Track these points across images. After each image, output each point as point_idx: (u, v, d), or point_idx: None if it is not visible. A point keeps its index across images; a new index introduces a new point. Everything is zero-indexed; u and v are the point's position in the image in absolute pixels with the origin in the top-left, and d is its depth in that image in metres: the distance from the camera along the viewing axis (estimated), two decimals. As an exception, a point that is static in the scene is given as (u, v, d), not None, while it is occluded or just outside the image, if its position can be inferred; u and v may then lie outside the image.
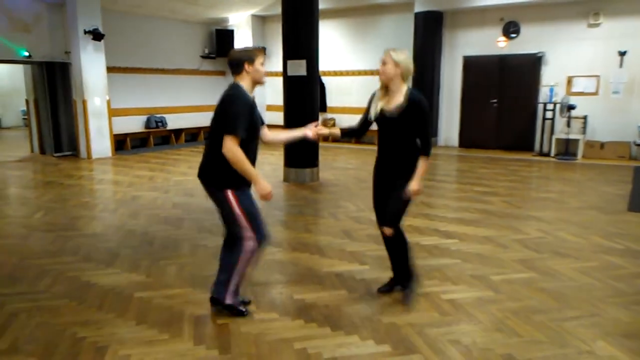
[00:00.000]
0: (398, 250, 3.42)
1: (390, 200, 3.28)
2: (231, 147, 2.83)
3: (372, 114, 3.28)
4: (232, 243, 3.15)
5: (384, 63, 3.20)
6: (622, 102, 9.88)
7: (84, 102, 10.09)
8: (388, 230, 3.28)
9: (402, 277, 3.51)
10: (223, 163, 2.91)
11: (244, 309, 3.24)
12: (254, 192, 3.01)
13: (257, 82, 3.02)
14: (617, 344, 2.87)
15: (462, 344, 2.88)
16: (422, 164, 3.20)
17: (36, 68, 10.41)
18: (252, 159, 3.04)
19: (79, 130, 10.33)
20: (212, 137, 2.99)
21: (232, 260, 3.10)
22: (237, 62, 2.97)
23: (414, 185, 3.17)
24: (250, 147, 2.99)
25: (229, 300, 3.17)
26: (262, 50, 3.10)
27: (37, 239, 4.94)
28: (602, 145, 9.94)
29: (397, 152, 3.25)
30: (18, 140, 13.71)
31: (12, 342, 2.91)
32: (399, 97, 3.17)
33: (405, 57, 3.19)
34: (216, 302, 3.23)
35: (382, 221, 3.37)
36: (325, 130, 3.41)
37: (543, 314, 3.24)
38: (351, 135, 3.59)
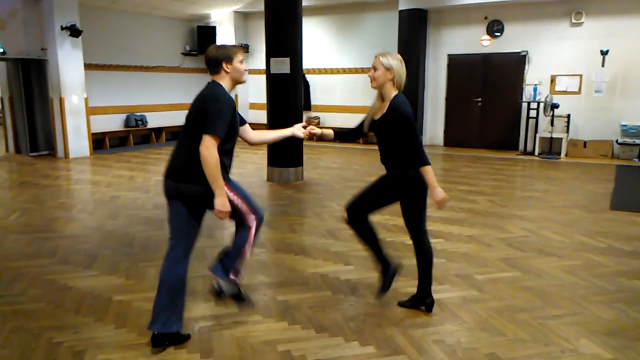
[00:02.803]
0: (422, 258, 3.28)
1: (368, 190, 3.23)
2: (209, 147, 2.63)
3: (365, 123, 3.20)
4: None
5: (374, 69, 3.04)
6: (605, 101, 10.01)
7: (61, 100, 9.87)
8: (346, 215, 3.23)
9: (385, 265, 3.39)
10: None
11: (243, 296, 3.09)
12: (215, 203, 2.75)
13: (237, 82, 2.85)
14: (600, 342, 2.88)
15: (447, 344, 2.86)
16: (426, 175, 2.99)
17: (11, 65, 10.15)
18: (229, 162, 2.88)
19: (55, 129, 10.09)
20: (189, 135, 2.75)
21: (239, 243, 2.94)
22: (215, 61, 2.78)
23: (434, 196, 3.05)
24: (228, 149, 2.83)
25: (232, 275, 2.96)
26: (241, 48, 2.94)
27: (13, 241, 4.80)
28: (585, 143, 10.06)
29: (385, 159, 3.18)
30: (-7, 139, 13.40)
31: (-14, 348, 2.81)
32: (387, 104, 3.06)
33: (397, 62, 3.02)
34: (223, 272, 2.96)
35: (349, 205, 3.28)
36: (318, 130, 3.26)
37: (527, 313, 3.25)
38: (344, 138, 3.44)
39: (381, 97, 3.12)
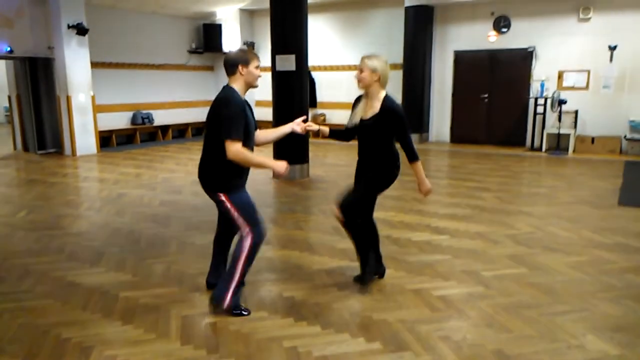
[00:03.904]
0: (360, 239, 3.51)
1: (353, 191, 3.47)
2: (235, 151, 2.90)
3: (352, 122, 3.38)
4: (225, 239, 3.41)
5: (360, 70, 3.25)
6: (612, 97, 9.92)
7: (68, 98, 9.93)
8: (338, 213, 3.40)
9: (366, 263, 3.58)
10: (216, 167, 3.01)
11: (245, 311, 3.20)
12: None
13: (250, 85, 3.11)
14: (607, 338, 2.87)
15: (453, 340, 2.86)
16: (416, 169, 3.32)
17: (18, 63, 10.21)
18: (247, 168, 3.13)
19: (63, 126, 10.16)
20: (207, 139, 3.08)
21: (234, 257, 3.13)
22: (232, 63, 3.05)
23: (422, 187, 3.38)
24: (247, 149, 3.05)
25: (228, 300, 3.12)
26: (257, 56, 3.16)
27: (21, 238, 4.84)
28: (592, 140, 9.99)
29: (371, 156, 3.37)
30: (0, 137, 13.47)
31: (-6, 344, 2.84)
32: (377, 104, 3.25)
33: (381, 63, 3.24)
34: (217, 300, 3.15)
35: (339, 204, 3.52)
36: (314, 127, 3.43)
37: (533, 309, 3.23)
38: (338, 137, 3.59)
39: (366, 96, 3.31)
